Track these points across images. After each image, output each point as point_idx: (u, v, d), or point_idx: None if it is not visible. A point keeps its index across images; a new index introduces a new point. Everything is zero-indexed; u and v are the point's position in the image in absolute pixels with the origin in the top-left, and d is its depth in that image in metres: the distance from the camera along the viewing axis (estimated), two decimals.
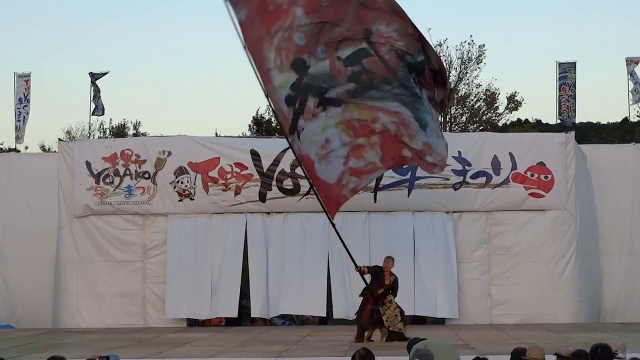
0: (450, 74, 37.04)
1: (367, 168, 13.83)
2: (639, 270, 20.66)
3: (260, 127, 37.48)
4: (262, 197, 20.11)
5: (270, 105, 14.15)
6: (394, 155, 13.76)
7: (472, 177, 19.99)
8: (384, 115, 13.46)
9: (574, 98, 23.75)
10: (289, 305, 19.93)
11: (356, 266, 15.48)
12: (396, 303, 15.72)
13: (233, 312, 19.97)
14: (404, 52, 13.23)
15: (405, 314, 16.15)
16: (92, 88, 24.19)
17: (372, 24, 13.21)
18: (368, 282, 15.66)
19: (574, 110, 23.85)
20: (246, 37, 13.38)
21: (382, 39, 13.20)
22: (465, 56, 36.84)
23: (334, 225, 14.91)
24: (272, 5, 13.32)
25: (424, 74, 13.43)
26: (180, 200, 20.23)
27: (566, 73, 23.85)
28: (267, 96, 13.74)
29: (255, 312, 20.00)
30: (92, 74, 24.19)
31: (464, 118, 37.51)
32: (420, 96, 13.42)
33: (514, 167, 19.98)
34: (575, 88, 23.78)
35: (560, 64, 24.03)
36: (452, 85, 14.48)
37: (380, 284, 15.67)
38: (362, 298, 15.93)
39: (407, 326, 16.01)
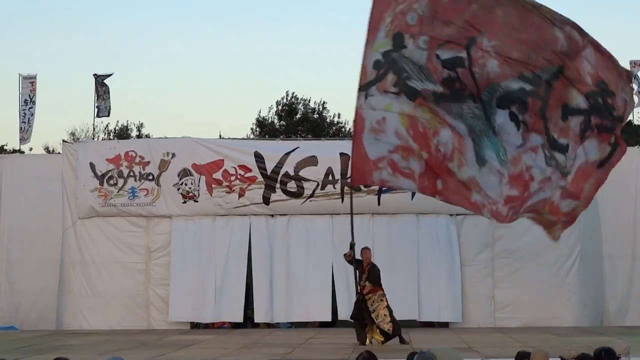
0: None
1: (405, 172, 13.48)
2: None
3: (263, 129, 37.44)
4: (266, 200, 20.11)
5: (362, 55, 13.89)
6: (429, 183, 13.43)
7: None
8: (446, 133, 13.20)
9: None
10: (294, 311, 19.85)
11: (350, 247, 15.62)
12: (387, 302, 15.65)
13: (238, 317, 19.92)
14: (497, 76, 13.08)
15: (409, 319, 16.10)
16: (97, 89, 24.12)
17: (479, 34, 13.12)
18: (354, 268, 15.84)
19: None
20: None
21: (480, 51, 13.05)
22: None
23: (349, 186, 14.70)
24: None
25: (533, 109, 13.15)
26: (184, 202, 20.24)
27: None
28: (365, 45, 13.63)
29: (259, 317, 19.91)
30: (96, 76, 24.14)
31: None
32: (494, 131, 13.14)
33: None
34: None
35: None
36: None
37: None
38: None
39: (408, 332, 15.96)
